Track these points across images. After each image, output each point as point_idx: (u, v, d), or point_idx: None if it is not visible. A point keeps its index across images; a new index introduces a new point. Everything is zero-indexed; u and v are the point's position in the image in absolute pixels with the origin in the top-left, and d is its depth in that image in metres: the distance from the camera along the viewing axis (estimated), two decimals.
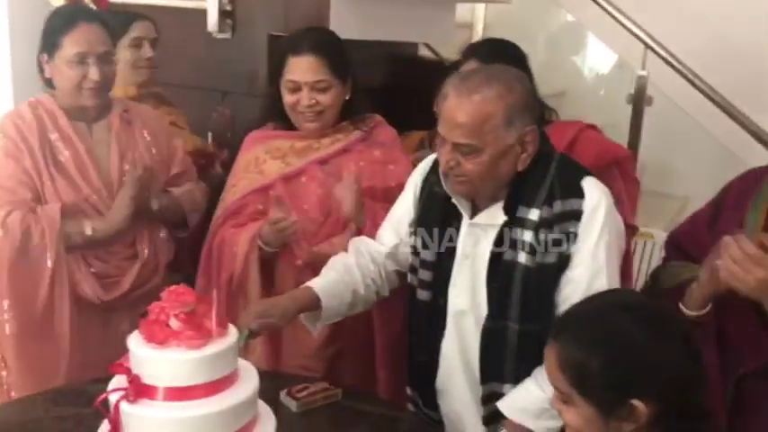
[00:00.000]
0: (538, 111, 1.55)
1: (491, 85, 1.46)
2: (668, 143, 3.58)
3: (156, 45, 2.43)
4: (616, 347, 1.13)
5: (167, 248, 2.13)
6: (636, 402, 1.11)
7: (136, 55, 2.37)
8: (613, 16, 3.34)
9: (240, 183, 2.00)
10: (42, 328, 1.95)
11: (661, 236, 2.75)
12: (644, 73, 3.31)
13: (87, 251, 1.98)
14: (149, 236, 2.07)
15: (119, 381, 1.22)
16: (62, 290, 1.95)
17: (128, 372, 1.20)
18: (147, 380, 1.19)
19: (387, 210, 1.81)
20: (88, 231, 1.94)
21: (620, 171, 2.10)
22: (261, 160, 1.99)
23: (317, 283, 1.68)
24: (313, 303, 1.65)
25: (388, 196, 1.85)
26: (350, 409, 1.67)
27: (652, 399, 1.12)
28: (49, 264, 1.91)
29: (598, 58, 3.95)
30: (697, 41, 3.46)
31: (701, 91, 3.25)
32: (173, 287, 1.24)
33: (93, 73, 1.93)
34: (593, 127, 2.17)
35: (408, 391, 1.75)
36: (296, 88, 1.92)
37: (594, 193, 1.51)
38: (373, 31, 2.78)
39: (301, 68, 1.91)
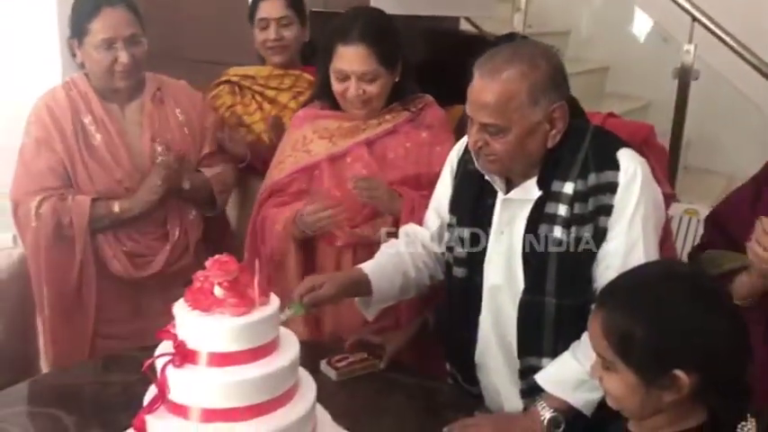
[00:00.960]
0: (566, 86, 1.52)
1: (514, 64, 1.45)
2: (715, 118, 3.51)
3: (285, 24, 2.34)
4: (662, 317, 1.12)
5: (197, 228, 2.15)
6: (678, 373, 1.10)
7: (263, 36, 2.35)
8: None
9: (287, 160, 2.02)
10: (71, 311, 2.04)
11: (706, 213, 2.72)
12: (690, 47, 3.24)
13: (120, 230, 2.03)
14: (180, 216, 2.10)
15: (165, 347, 1.26)
16: (89, 280, 2.02)
17: (174, 337, 1.24)
18: (192, 345, 1.22)
19: (430, 195, 1.82)
20: (116, 209, 1.99)
21: (646, 146, 2.09)
22: (308, 139, 2.01)
23: (366, 265, 1.71)
24: (363, 283, 1.67)
25: (434, 181, 1.84)
26: (389, 379, 1.70)
27: (695, 370, 1.11)
28: (78, 256, 1.98)
29: (644, 31, 3.86)
30: (745, 12, 3.37)
31: (750, 63, 3.17)
32: (217, 256, 1.27)
33: (123, 56, 1.95)
34: (613, 115, 2.16)
35: (447, 366, 1.77)
36: (344, 77, 1.91)
37: (630, 164, 1.49)
38: (414, 5, 2.77)
39: (349, 58, 1.88)
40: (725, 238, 1.63)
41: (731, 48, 3.19)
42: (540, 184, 1.53)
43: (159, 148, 2.01)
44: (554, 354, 1.52)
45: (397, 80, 1.96)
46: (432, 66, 2.74)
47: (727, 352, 1.12)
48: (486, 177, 1.58)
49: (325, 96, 2.01)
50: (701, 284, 1.19)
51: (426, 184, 1.91)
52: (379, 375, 1.71)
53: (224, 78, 2.44)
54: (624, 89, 3.89)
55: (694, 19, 3.22)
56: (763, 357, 1.48)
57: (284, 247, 1.95)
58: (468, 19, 3.76)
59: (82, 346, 2.06)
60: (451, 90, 2.40)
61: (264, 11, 2.34)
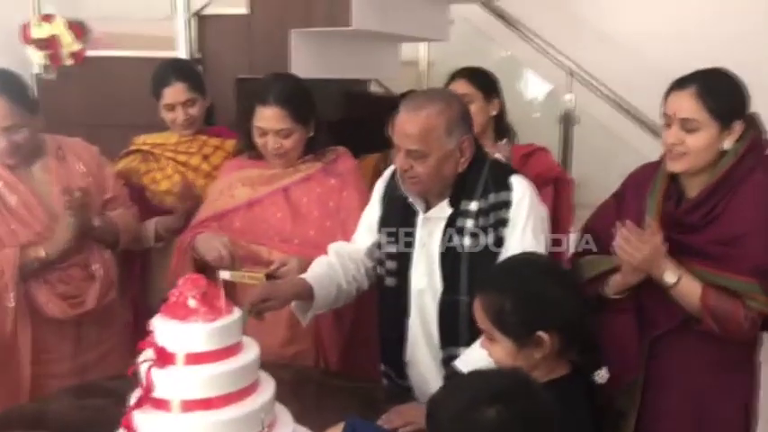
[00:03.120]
0: (472, 123, 1.90)
1: (433, 103, 1.81)
2: (596, 158, 3.98)
3: (191, 104, 2.55)
4: (525, 292, 1.46)
5: (115, 265, 2.38)
6: (541, 334, 1.44)
7: (171, 116, 2.55)
8: (541, 48, 3.78)
9: (215, 203, 2.32)
10: (6, 360, 2.18)
11: None
12: (571, 96, 3.74)
13: (51, 276, 2.22)
14: (100, 257, 2.32)
15: (146, 354, 1.49)
16: (24, 328, 2.18)
17: (154, 345, 1.48)
18: (171, 348, 1.46)
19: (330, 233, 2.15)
20: (41, 253, 2.17)
21: (559, 180, 2.47)
22: (234, 186, 2.31)
23: (308, 275, 1.95)
24: (307, 292, 1.92)
25: (335, 219, 2.21)
26: (331, 385, 1.97)
27: (554, 332, 1.45)
28: (12, 303, 2.15)
29: (532, 86, 4.37)
30: (617, 66, 3.90)
31: (623, 109, 3.69)
32: (188, 275, 1.53)
33: (2, 143, 2.15)
34: (543, 150, 2.58)
35: (382, 367, 2.04)
36: (263, 133, 2.22)
37: (520, 186, 1.86)
38: (328, 69, 3.13)
39: (267, 117, 2.18)
40: (597, 245, 1.96)
41: (605, 96, 3.71)
42: (452, 204, 1.86)
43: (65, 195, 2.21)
44: (470, 343, 1.81)
45: (311, 135, 2.27)
46: (346, 122, 3.10)
47: (576, 318, 1.47)
48: (410, 200, 1.91)
49: (248, 148, 2.32)
50: (553, 267, 1.55)
51: (339, 233, 2.19)
52: (323, 383, 1.97)
53: (133, 148, 2.64)
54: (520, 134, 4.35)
55: (571, 74, 3.73)
56: (631, 339, 1.83)
57: (181, 266, 2.23)
58: (377, 81, 4.17)
59: (19, 390, 2.18)
60: (364, 142, 2.75)
61: (170, 97, 2.53)
